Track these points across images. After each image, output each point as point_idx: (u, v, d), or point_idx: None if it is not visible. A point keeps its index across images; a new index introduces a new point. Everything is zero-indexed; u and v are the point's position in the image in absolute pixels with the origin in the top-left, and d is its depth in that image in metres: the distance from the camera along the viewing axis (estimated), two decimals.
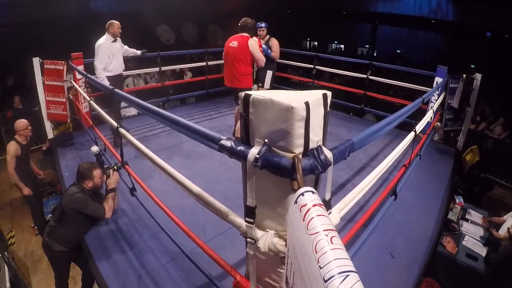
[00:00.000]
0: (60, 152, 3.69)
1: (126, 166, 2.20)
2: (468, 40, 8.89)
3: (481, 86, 3.63)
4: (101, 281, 1.97)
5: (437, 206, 2.84)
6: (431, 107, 3.45)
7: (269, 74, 4.08)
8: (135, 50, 4.01)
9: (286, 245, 0.92)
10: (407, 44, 11.45)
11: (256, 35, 3.37)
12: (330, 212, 1.14)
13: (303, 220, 0.63)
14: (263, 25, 3.97)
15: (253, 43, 3.13)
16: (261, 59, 3.18)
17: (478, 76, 3.62)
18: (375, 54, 11.96)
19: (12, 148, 3.31)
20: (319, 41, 14.07)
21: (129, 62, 4.17)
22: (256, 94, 0.91)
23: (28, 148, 3.57)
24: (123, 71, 3.86)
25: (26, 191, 3.45)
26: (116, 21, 3.61)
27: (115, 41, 3.61)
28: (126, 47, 3.88)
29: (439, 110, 3.63)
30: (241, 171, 1.02)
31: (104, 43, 3.50)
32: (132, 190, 2.33)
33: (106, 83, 3.44)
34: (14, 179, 3.39)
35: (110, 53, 3.53)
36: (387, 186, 2.11)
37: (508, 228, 2.83)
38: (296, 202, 0.70)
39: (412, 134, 2.08)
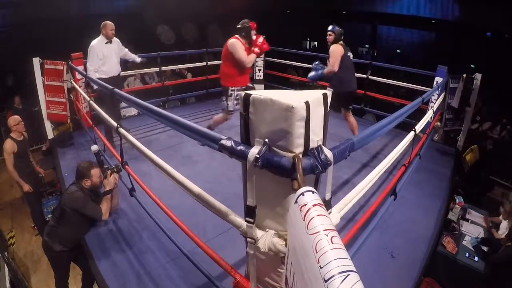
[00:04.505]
0: (60, 152, 3.69)
1: (126, 166, 2.20)
2: (468, 40, 8.88)
3: (481, 86, 3.63)
4: (101, 281, 1.97)
5: (437, 206, 2.84)
6: (431, 107, 3.45)
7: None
8: (135, 57, 3.91)
9: (286, 245, 0.92)
10: (407, 44, 11.44)
11: (249, 37, 3.24)
12: (331, 212, 1.14)
13: (303, 220, 0.63)
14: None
15: (232, 43, 3.15)
16: (240, 59, 3.15)
17: (478, 76, 3.62)
18: (375, 54, 11.96)
19: (8, 145, 3.32)
20: (319, 41, 14.07)
21: (128, 62, 4.15)
22: (256, 93, 0.91)
23: (25, 144, 3.55)
24: (120, 72, 3.76)
25: (26, 187, 3.45)
26: (109, 22, 3.50)
27: (109, 42, 3.51)
28: (126, 50, 3.79)
29: (439, 110, 3.63)
30: (241, 171, 1.02)
31: (95, 44, 3.43)
32: (131, 191, 2.33)
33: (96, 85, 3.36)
34: (14, 176, 3.39)
35: (102, 55, 3.44)
36: (387, 186, 2.11)
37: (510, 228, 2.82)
38: (296, 202, 0.69)
39: (411, 133, 2.08)
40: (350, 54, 3.54)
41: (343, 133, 3.70)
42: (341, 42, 3.48)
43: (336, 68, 3.35)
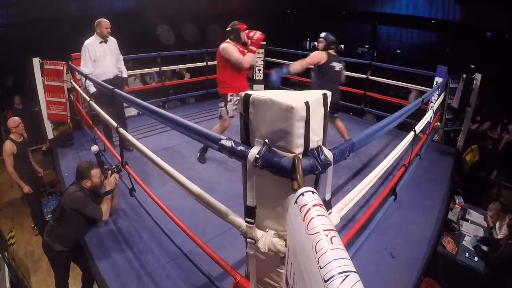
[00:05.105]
0: (60, 153, 3.69)
1: (126, 167, 2.21)
2: (468, 40, 8.89)
3: (481, 86, 3.63)
4: (101, 281, 1.97)
5: (437, 206, 2.84)
6: (431, 107, 3.45)
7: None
8: (125, 70, 3.59)
9: (286, 245, 0.93)
10: (407, 44, 11.46)
11: (238, 39, 3.04)
12: (331, 212, 1.14)
13: (303, 220, 0.63)
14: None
15: (223, 48, 2.99)
16: (237, 60, 2.96)
17: (478, 76, 3.62)
18: (375, 54, 11.97)
19: (7, 147, 3.31)
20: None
21: (128, 62, 4.07)
22: (256, 94, 0.91)
23: (25, 145, 3.53)
24: (117, 75, 3.44)
25: (26, 189, 3.44)
26: (104, 20, 3.22)
27: (104, 41, 3.23)
28: (121, 57, 3.49)
29: (439, 110, 3.63)
30: (241, 171, 1.02)
31: (88, 44, 3.16)
32: (132, 191, 2.33)
33: (92, 89, 3.18)
34: (14, 177, 3.38)
35: (96, 56, 3.18)
36: (387, 186, 2.12)
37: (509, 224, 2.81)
38: (296, 202, 0.69)
39: (411, 134, 2.08)
40: (338, 65, 3.23)
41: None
42: (332, 51, 3.24)
43: (299, 66, 3.07)
